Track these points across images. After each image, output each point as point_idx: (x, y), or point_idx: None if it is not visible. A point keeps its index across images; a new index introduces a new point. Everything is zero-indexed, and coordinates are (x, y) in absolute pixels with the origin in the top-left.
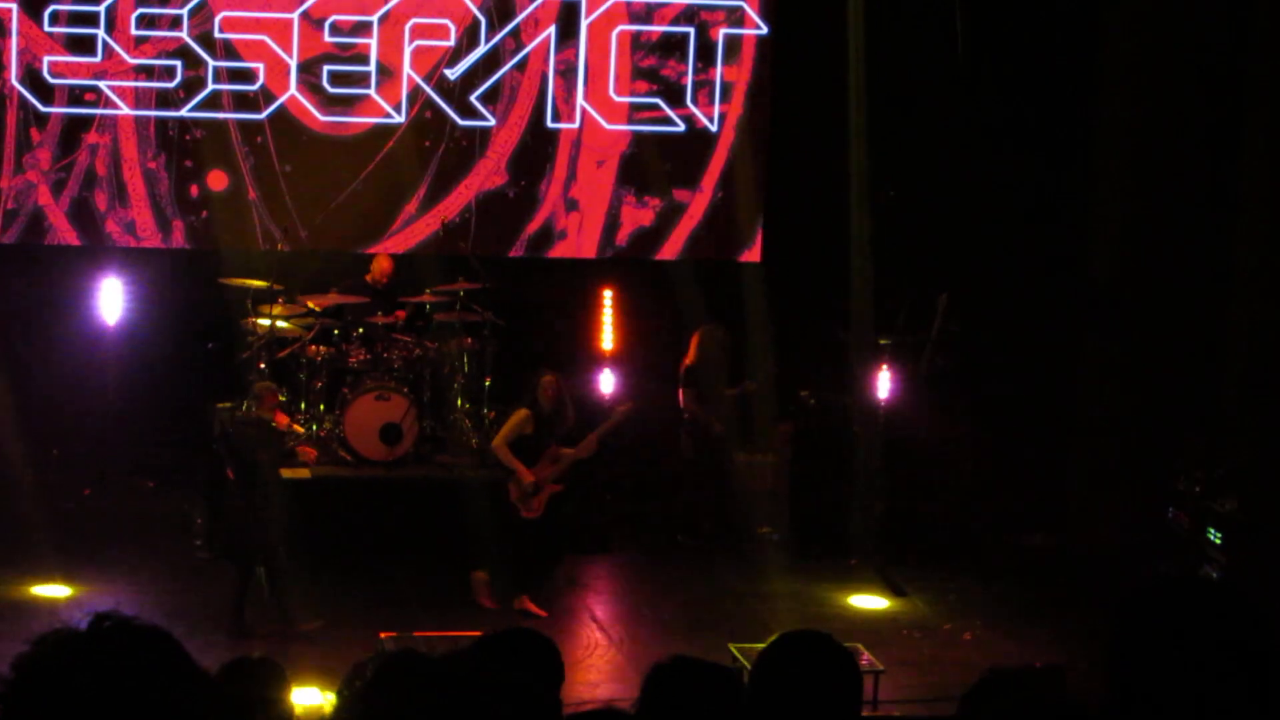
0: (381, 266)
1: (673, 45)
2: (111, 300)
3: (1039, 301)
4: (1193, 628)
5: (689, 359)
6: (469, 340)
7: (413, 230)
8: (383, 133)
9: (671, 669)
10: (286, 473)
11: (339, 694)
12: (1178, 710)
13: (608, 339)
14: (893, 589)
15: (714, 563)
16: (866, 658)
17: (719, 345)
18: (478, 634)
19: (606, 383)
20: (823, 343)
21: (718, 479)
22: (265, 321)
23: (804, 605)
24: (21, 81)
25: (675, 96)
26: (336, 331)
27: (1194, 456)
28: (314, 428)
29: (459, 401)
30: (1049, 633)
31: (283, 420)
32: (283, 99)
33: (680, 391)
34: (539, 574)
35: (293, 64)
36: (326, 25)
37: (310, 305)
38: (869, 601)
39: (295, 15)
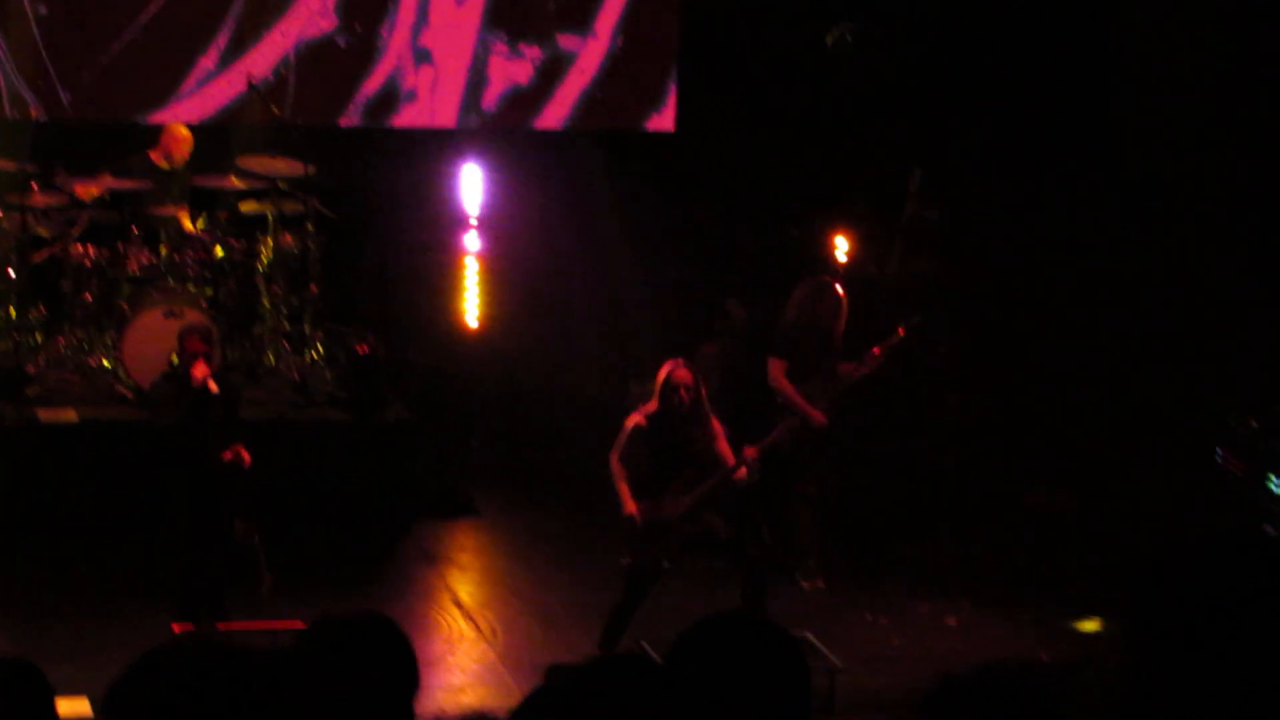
0: (172, 140)
1: None
2: None
3: (1048, 179)
4: (1241, 599)
5: (787, 317)
6: (288, 237)
7: (211, 92)
8: None
9: (571, 671)
10: (45, 414)
11: (105, 703)
12: (1214, 706)
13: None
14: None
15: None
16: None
17: (833, 312)
18: (300, 625)
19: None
20: (756, 235)
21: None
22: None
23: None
24: None
25: None
26: (111, 227)
27: (1249, 388)
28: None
29: (275, 318)
30: (1058, 616)
31: (200, 372)
32: None
33: (770, 363)
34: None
35: None
36: None
37: (77, 193)
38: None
39: None
